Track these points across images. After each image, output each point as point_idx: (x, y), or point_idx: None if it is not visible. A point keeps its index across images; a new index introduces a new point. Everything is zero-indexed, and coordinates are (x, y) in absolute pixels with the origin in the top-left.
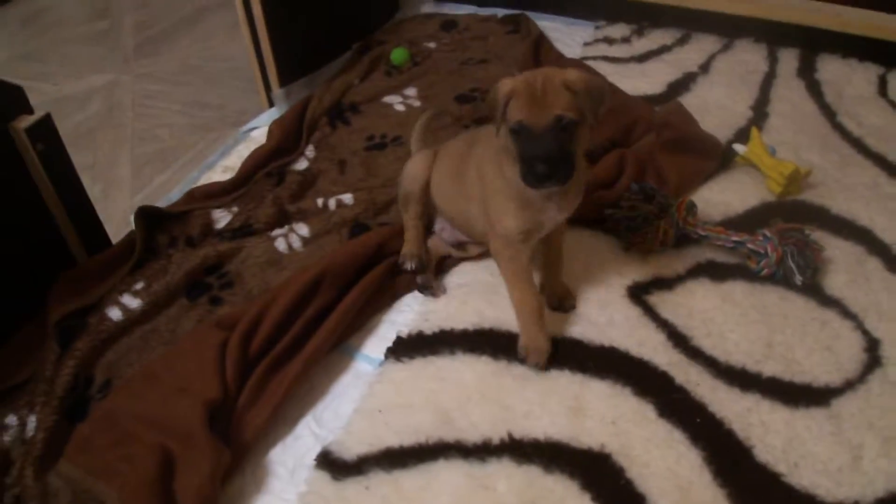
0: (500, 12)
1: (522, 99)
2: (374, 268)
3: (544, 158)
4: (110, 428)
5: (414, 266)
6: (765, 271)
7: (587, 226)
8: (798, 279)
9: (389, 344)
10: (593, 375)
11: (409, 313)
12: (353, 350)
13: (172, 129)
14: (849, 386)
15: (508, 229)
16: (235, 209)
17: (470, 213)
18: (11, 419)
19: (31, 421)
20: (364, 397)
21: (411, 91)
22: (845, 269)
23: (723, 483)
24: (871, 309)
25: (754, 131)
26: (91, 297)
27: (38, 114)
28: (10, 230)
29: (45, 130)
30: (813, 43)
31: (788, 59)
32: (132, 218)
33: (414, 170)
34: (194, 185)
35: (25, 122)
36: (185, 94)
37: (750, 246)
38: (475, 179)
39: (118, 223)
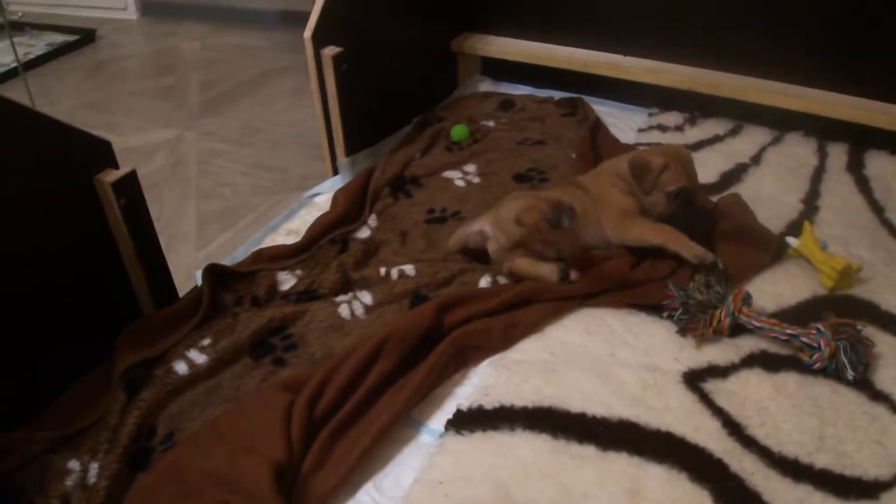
0: (556, 94)
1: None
2: (437, 338)
3: None
4: (174, 481)
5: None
6: (817, 365)
7: (647, 311)
8: (850, 374)
9: (450, 416)
10: (650, 459)
11: (468, 387)
12: (415, 421)
13: (236, 189)
14: None
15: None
16: (300, 272)
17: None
18: (74, 464)
19: (94, 468)
20: (424, 468)
21: (471, 167)
22: (895, 364)
23: None
24: None
25: (807, 226)
26: (158, 349)
27: (124, 169)
28: (85, 278)
29: (130, 185)
30: (861, 139)
31: (838, 154)
32: (198, 273)
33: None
34: (259, 246)
35: (112, 176)
36: (248, 155)
37: (804, 339)
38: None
39: (181, 278)
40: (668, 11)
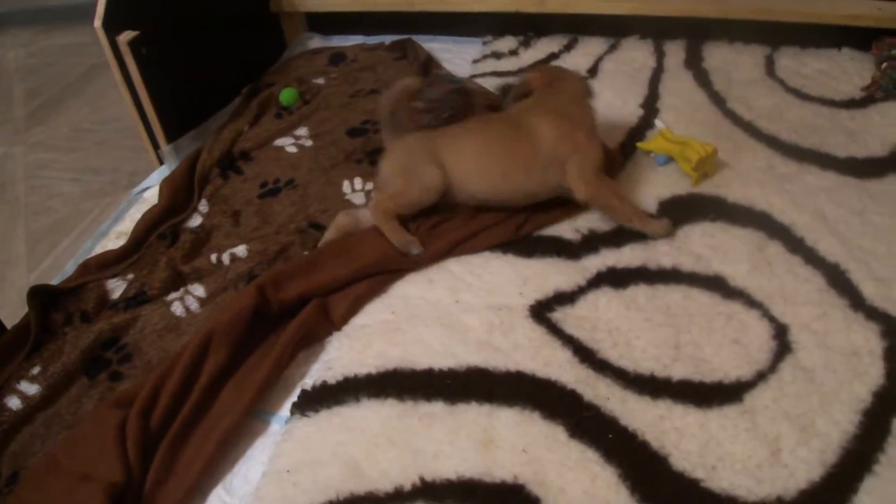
0: (388, 39)
1: None
2: (270, 316)
3: None
4: None
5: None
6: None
7: (490, 249)
8: None
9: (295, 399)
10: (501, 404)
11: (314, 364)
12: (262, 411)
13: (66, 199)
14: (760, 377)
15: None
16: (130, 276)
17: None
18: None
19: None
20: (271, 458)
21: (302, 131)
22: (746, 257)
23: (641, 498)
24: (775, 295)
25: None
26: None
27: None
28: None
29: None
30: (698, 32)
31: (675, 52)
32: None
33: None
34: (90, 255)
35: None
36: (77, 160)
37: None
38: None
39: (15, 305)
40: None
